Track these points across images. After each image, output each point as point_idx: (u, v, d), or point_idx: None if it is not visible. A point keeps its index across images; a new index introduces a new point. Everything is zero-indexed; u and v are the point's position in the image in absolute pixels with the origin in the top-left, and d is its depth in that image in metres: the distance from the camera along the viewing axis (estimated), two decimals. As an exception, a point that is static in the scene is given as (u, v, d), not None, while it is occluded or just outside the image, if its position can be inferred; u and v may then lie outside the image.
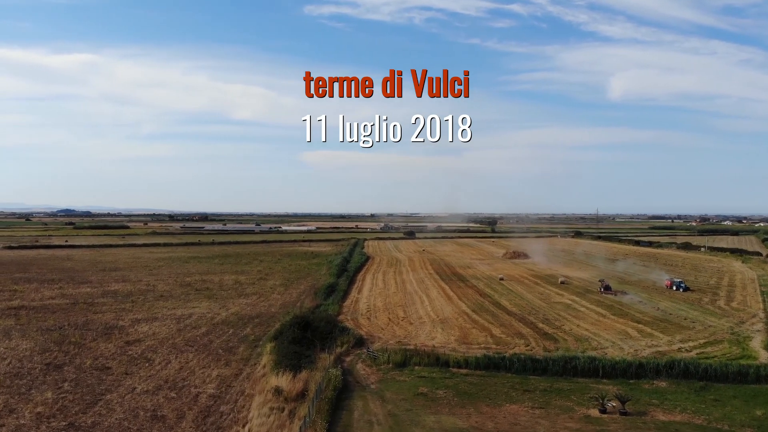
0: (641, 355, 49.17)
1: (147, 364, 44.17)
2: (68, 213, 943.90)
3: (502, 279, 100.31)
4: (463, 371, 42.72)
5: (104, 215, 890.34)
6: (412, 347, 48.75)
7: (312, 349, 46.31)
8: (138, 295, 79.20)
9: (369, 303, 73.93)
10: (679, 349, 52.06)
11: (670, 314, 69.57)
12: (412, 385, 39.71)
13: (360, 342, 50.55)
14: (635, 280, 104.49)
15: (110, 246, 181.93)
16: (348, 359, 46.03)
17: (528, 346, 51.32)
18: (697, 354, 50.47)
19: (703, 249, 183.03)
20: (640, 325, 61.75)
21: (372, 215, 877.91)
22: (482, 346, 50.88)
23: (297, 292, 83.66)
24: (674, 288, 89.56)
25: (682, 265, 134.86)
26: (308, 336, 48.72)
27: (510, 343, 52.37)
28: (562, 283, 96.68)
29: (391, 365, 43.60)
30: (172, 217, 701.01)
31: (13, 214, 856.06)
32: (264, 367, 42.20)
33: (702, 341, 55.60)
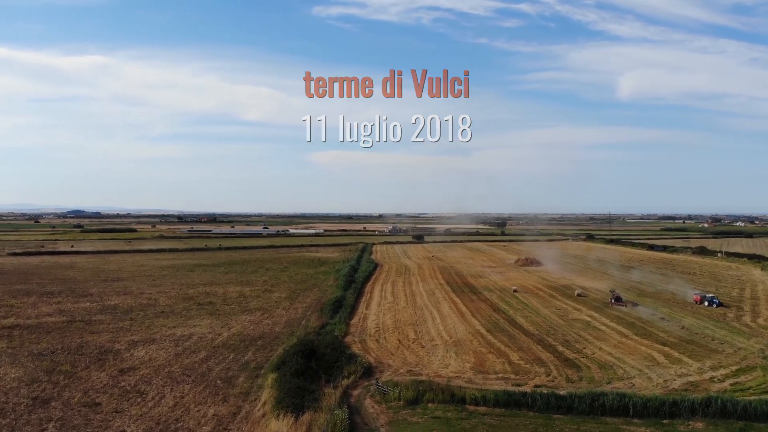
0: (672, 387, 45.61)
1: (140, 399, 41.03)
2: (78, 214, 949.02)
3: (515, 291, 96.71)
4: (481, 409, 39.25)
5: (114, 216, 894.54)
6: (424, 378, 45.39)
7: (317, 382, 43.04)
8: (138, 311, 76.29)
9: (378, 320, 70.60)
10: (711, 379, 48.44)
11: (696, 333, 65.87)
12: (426, 428, 36.30)
13: (368, 371, 47.20)
14: (653, 291, 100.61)
15: (116, 252, 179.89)
16: (356, 393, 42.70)
17: (549, 375, 47.80)
18: (730, 385, 46.89)
19: (719, 255, 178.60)
20: (666, 348, 58.09)
21: (380, 216, 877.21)
22: (500, 375, 47.43)
23: (303, 306, 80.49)
24: (705, 303, 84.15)
25: (700, 273, 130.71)
26: (312, 366, 45.46)
27: (529, 371, 48.87)
28: (578, 295, 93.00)
29: (402, 402, 40.17)
30: (181, 219, 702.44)
31: (23, 215, 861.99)
32: (264, 404, 38.94)
33: (734, 368, 51.90)
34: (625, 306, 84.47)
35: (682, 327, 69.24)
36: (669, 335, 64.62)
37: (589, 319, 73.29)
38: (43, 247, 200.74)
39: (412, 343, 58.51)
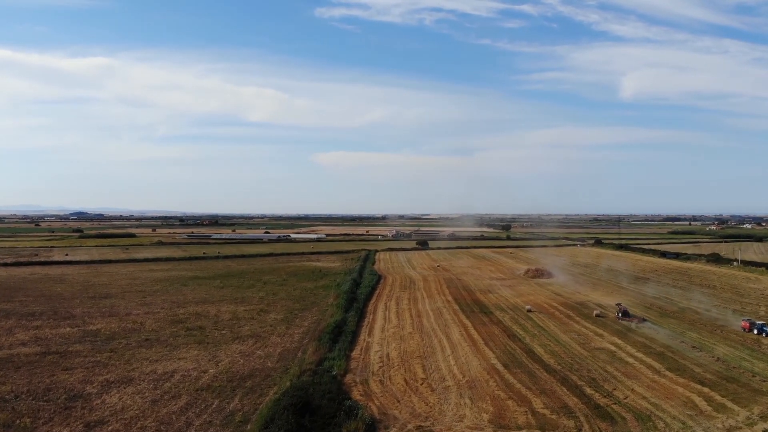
0: (724, 447, 39.17)
1: (101, 470, 34.79)
2: (80, 216, 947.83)
3: (529, 311, 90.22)
4: (506, 487, 32.90)
5: (116, 218, 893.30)
6: (436, 438, 39.02)
7: (310, 447, 36.74)
8: (121, 338, 70.08)
9: (382, 352, 64.12)
10: (765, 433, 41.99)
11: (734, 367, 59.39)
12: None
13: (371, 427, 40.62)
14: (676, 310, 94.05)
15: (110, 261, 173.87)
16: (356, 459, 36.35)
17: (580, 431, 41.34)
18: (789, 441, 40.46)
19: (735, 263, 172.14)
20: (705, 389, 51.55)
21: (383, 217, 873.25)
22: (523, 432, 41.00)
23: (300, 332, 74.15)
24: (755, 332, 74.79)
25: (720, 287, 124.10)
26: (306, 424, 39.10)
27: (556, 424, 42.38)
28: (597, 316, 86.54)
29: (411, 477, 33.83)
30: (183, 221, 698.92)
31: (26, 217, 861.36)
32: (247, 481, 32.64)
33: (787, 415, 45.41)
34: (632, 321, 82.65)
35: (717, 358, 62.75)
36: (705, 370, 58.14)
37: (613, 348, 66.76)
38: (37, 255, 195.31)
39: (421, 384, 52.04)
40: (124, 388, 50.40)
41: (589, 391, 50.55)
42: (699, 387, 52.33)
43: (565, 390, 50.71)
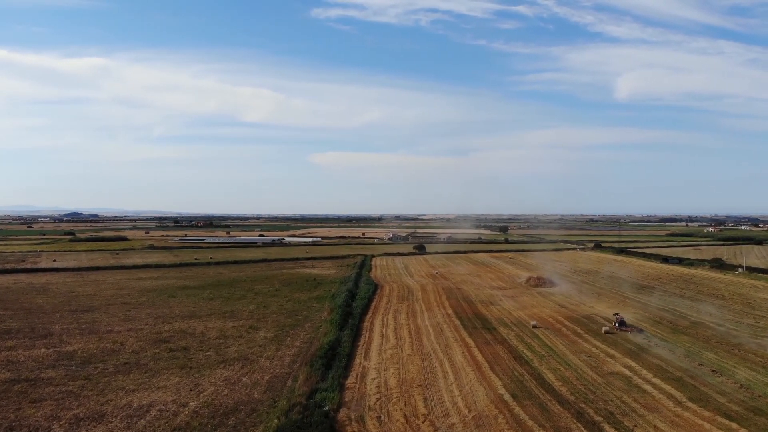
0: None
1: None
2: (74, 217, 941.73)
3: (535, 326, 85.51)
4: None
5: (111, 219, 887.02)
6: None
7: None
8: (98, 362, 65.05)
9: (379, 379, 59.18)
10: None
11: (760, 396, 54.80)
12: None
13: (368, 481, 36.01)
14: (688, 324, 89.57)
15: (98, 269, 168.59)
16: None
17: (603, 484, 36.63)
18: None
19: (740, 270, 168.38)
20: (734, 425, 46.87)
21: (380, 218, 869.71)
22: (539, 486, 36.25)
23: (291, 354, 69.24)
24: None
25: (729, 297, 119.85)
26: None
27: (576, 475, 37.69)
28: (606, 332, 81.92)
29: None
30: (178, 222, 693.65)
31: (20, 218, 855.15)
32: None
33: (830, 460, 40.90)
34: (630, 331, 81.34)
35: (740, 385, 58.13)
36: (729, 399, 53.52)
37: (628, 372, 62.05)
38: (24, 261, 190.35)
39: (423, 421, 47.13)
40: (94, 428, 45.40)
41: (608, 429, 45.78)
42: (726, 422, 47.68)
43: (582, 428, 45.93)
